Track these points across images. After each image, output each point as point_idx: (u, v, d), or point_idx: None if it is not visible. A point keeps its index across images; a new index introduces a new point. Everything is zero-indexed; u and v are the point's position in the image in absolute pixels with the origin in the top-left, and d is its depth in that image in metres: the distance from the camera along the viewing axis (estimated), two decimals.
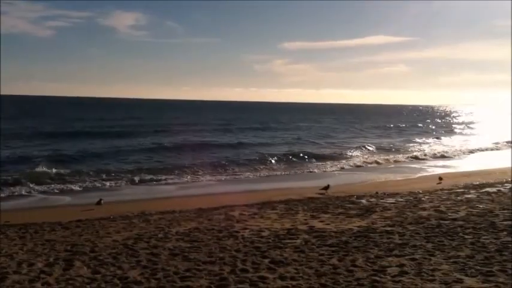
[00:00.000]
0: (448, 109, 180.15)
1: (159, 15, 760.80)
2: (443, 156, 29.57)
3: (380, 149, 32.56)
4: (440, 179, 18.42)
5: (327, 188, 16.12)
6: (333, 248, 8.35)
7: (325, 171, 23.05)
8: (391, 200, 13.50)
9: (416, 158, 28.70)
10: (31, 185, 16.83)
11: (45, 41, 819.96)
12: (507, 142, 38.34)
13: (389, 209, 12.00)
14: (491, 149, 34.71)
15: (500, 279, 6.64)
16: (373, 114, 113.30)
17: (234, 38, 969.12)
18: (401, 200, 13.56)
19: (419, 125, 69.07)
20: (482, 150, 33.98)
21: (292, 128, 56.27)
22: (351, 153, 29.60)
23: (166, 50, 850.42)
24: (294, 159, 26.24)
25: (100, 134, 39.45)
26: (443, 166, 24.57)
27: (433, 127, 65.07)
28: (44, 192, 16.27)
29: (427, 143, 39.83)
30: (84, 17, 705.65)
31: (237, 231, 9.76)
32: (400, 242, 8.70)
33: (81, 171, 20.05)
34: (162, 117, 71.44)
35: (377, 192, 15.12)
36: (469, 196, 13.91)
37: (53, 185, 17.27)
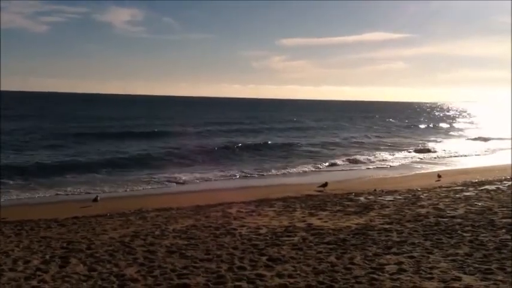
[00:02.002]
0: (452, 107, 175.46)
1: (155, 11, 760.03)
2: None
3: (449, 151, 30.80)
4: (439, 176, 18.40)
5: (325, 185, 16.07)
6: (331, 246, 8.31)
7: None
8: (389, 198, 13.46)
9: None
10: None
11: (41, 37, 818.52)
12: None
13: (388, 207, 11.96)
14: None
15: (499, 277, 6.61)
16: (387, 112, 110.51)
17: (231, 34, 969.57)
18: (400, 197, 13.52)
19: (442, 124, 65.82)
20: None
21: (327, 127, 54.68)
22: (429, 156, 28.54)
23: (163, 46, 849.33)
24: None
25: (148, 134, 37.76)
26: None
27: (468, 127, 60.87)
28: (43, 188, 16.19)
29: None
30: (79, 12, 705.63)
31: (234, 229, 9.71)
32: (398, 239, 8.67)
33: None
34: (192, 115, 69.12)
35: (375, 190, 15.07)
36: (468, 194, 13.87)
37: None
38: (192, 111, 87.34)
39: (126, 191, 16.34)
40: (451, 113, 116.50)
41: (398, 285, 6.39)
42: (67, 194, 15.53)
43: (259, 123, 57.71)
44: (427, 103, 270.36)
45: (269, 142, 33.38)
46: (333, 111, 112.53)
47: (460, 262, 7.28)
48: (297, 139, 37.37)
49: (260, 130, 46.30)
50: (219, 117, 65.47)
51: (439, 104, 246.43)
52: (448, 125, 65.09)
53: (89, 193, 15.40)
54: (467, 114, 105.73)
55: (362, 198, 13.40)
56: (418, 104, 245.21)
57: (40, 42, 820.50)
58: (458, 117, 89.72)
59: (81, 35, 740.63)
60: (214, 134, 40.37)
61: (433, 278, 6.63)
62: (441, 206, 11.91)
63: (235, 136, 38.50)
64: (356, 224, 10.02)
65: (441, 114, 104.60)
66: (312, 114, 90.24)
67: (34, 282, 6.61)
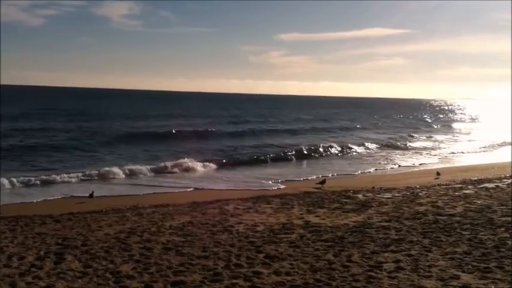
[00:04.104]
0: (465, 104, 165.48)
1: (152, 5, 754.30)
2: None
3: None
4: (438, 174, 18.35)
5: (323, 182, 16.03)
6: (329, 243, 8.26)
7: None
8: (387, 195, 13.41)
9: None
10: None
11: (37, 30, 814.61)
12: None
13: (386, 204, 11.91)
14: None
15: (498, 276, 6.57)
16: (406, 109, 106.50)
17: (229, 28, 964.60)
18: (398, 195, 13.46)
19: (476, 124, 61.83)
20: None
21: (370, 126, 49.80)
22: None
23: (160, 40, 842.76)
24: None
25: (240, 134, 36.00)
26: None
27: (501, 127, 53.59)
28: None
29: None
30: (76, 5, 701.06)
31: (231, 226, 9.65)
32: (396, 237, 8.62)
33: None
34: (215, 112, 65.97)
35: (374, 187, 15.02)
36: (467, 192, 13.82)
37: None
38: (208, 107, 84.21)
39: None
40: (471, 112, 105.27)
41: (396, 283, 6.33)
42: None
43: (292, 121, 54.09)
44: (432, 100, 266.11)
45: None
46: (351, 108, 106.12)
47: (458, 260, 7.24)
48: (348, 139, 34.79)
49: (302, 130, 42.13)
50: (246, 115, 61.84)
51: (446, 101, 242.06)
52: (483, 125, 60.54)
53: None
54: (487, 113, 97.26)
55: (360, 196, 13.34)
56: (426, 100, 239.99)
57: (36, 35, 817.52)
58: (482, 116, 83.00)
59: (78, 29, 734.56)
60: (277, 133, 38.21)
61: (431, 276, 6.58)
62: (440, 203, 11.87)
63: (289, 137, 35.78)
64: (354, 222, 9.97)
65: (463, 113, 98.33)
66: (331, 111, 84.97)
67: (29, 279, 6.54)
